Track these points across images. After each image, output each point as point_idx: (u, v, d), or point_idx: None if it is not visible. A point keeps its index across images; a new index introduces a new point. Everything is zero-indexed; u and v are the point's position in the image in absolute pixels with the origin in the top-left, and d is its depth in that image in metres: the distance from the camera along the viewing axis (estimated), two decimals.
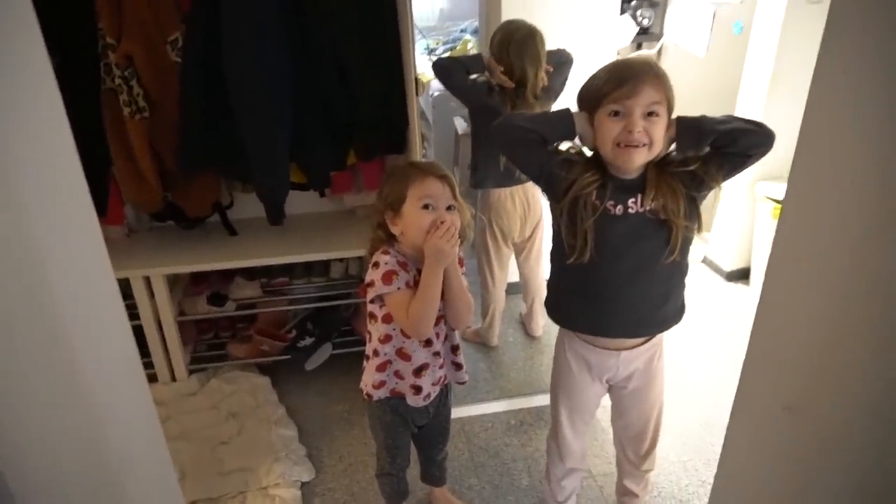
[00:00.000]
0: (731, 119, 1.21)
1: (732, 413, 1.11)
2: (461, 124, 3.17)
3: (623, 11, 3.86)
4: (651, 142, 1.18)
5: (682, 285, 1.36)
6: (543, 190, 1.34)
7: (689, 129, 1.21)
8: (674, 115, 1.23)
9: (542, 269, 2.38)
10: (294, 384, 2.25)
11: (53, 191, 0.78)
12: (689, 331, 2.45)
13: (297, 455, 1.89)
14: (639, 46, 3.97)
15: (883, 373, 0.77)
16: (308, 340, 2.20)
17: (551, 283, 1.43)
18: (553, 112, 1.30)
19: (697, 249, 2.98)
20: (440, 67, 2.01)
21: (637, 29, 3.73)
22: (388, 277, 1.27)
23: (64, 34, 1.74)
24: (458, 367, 1.49)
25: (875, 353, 0.79)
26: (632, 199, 1.23)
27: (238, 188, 2.18)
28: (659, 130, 1.18)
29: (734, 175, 1.25)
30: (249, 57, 1.72)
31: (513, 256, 2.34)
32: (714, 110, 1.29)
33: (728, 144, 1.20)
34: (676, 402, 2.04)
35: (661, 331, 1.39)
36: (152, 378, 2.15)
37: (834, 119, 0.84)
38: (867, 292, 0.79)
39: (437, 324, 1.35)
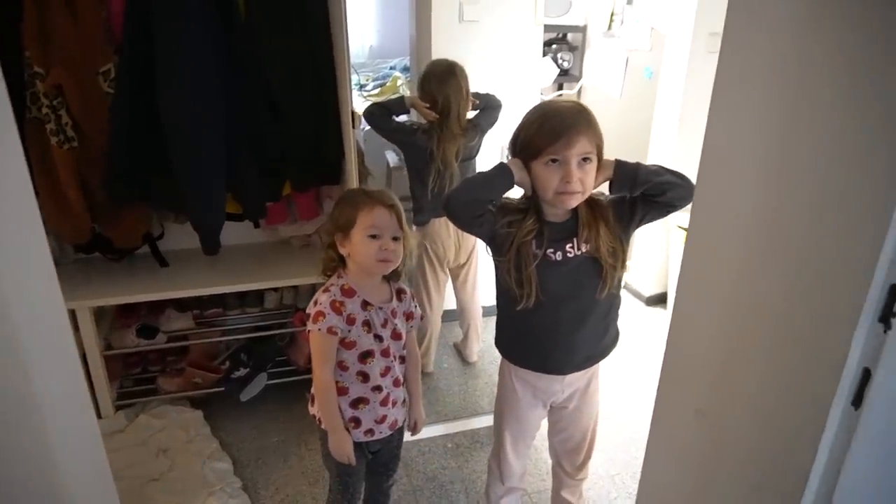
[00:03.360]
0: (663, 171, 1.30)
1: (653, 418, 1.22)
2: (392, 157, 3.26)
3: (544, 54, 4.10)
4: (584, 189, 1.27)
5: (617, 316, 1.47)
6: (490, 247, 1.39)
7: (626, 175, 1.29)
8: (613, 158, 1.31)
9: (478, 296, 2.47)
10: (228, 417, 2.21)
11: (11, 225, 0.79)
12: (613, 354, 2.59)
13: (233, 488, 1.86)
14: (560, 87, 4.22)
15: (773, 379, 0.89)
16: (242, 371, 2.18)
17: (500, 326, 1.49)
18: (490, 171, 1.35)
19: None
20: (367, 115, 2.15)
21: (558, 71, 3.97)
22: (316, 316, 1.32)
23: None
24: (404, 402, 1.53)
25: (766, 362, 0.90)
26: (569, 245, 1.32)
27: (170, 219, 2.16)
28: (591, 177, 1.27)
29: (658, 219, 1.37)
30: (182, 90, 1.74)
31: (450, 283, 2.42)
32: (630, 147, 1.42)
33: (657, 195, 1.30)
34: (603, 420, 2.13)
35: (603, 358, 1.49)
36: None
37: (724, 158, 0.97)
38: (758, 310, 0.91)
39: (385, 358, 1.41)
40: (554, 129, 1.23)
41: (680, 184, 1.28)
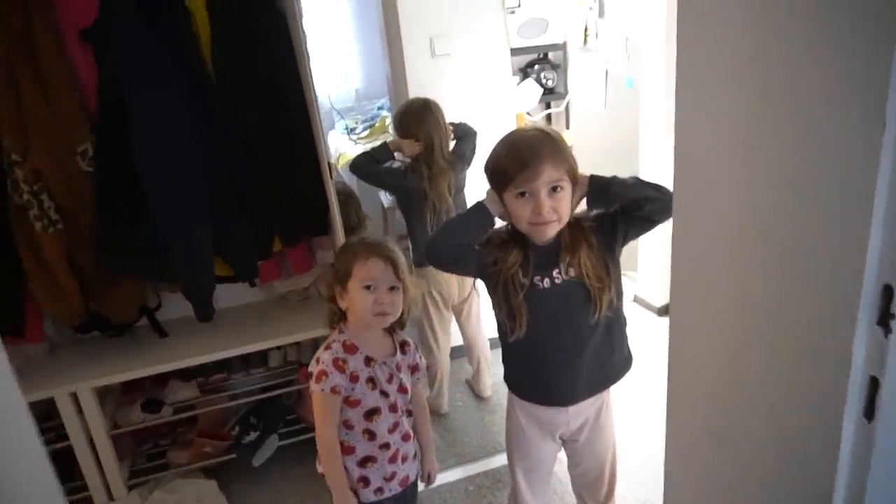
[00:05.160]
0: (640, 185, 1.27)
1: (666, 441, 1.15)
2: (387, 198, 3.25)
3: (527, 75, 4.12)
4: (560, 217, 1.24)
5: (623, 336, 1.42)
6: (483, 281, 1.38)
7: (599, 191, 1.27)
8: (588, 172, 1.29)
9: (483, 328, 2.42)
10: (244, 483, 2.16)
11: None
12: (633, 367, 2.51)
13: None
14: (547, 105, 4.22)
15: (780, 392, 0.83)
16: (253, 435, 2.13)
17: (505, 359, 1.46)
18: (468, 211, 1.34)
19: (627, 289, 3.09)
20: (354, 167, 2.18)
21: (542, 91, 3.97)
22: (319, 376, 1.30)
23: None
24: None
25: (771, 374, 0.85)
26: (556, 270, 1.29)
27: (165, 288, 2.14)
28: (565, 205, 1.24)
29: (641, 235, 1.33)
30: (162, 161, 1.74)
31: (453, 320, 2.38)
32: (620, 159, 1.39)
33: (634, 209, 1.27)
34: (626, 441, 2.06)
35: (613, 383, 1.44)
36: (88, 501, 2.01)
37: (697, 161, 0.93)
38: (754, 317, 0.86)
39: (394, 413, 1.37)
40: (518, 160, 1.22)
41: (657, 197, 1.24)
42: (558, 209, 1.23)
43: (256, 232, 1.97)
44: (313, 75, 1.79)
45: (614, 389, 1.51)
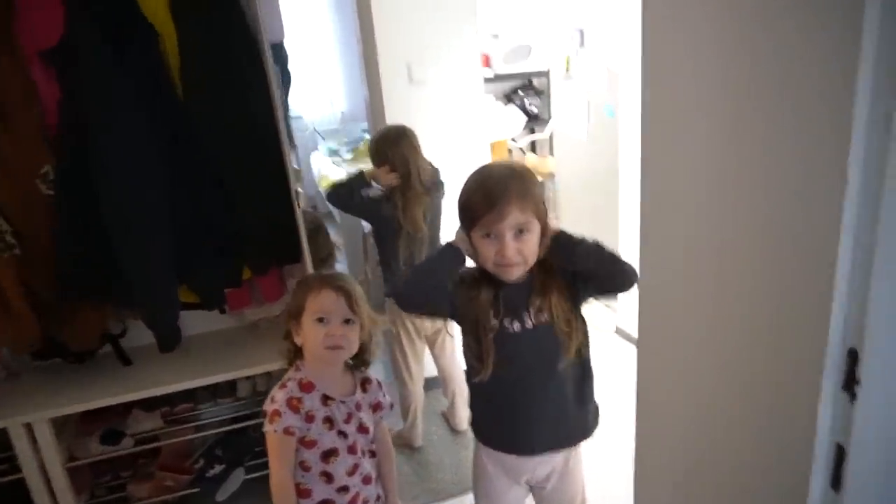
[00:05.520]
0: (609, 259, 1.22)
1: (635, 493, 1.11)
2: (367, 224, 3.21)
3: (510, 101, 4.12)
4: (525, 259, 1.20)
5: (592, 388, 1.37)
6: (456, 321, 1.34)
7: (562, 249, 1.22)
8: (559, 224, 1.25)
9: (458, 360, 2.36)
10: None
11: None
12: (608, 402, 2.45)
13: None
14: (532, 131, 4.22)
15: (749, 462, 0.79)
16: (217, 468, 2.06)
17: (472, 405, 1.42)
18: (438, 252, 1.31)
19: (608, 320, 3.06)
20: (330, 198, 2.17)
21: (525, 118, 3.97)
22: (272, 416, 1.26)
23: None
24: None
25: (741, 443, 0.81)
26: (525, 314, 1.25)
27: (129, 315, 2.07)
28: (530, 246, 1.20)
29: (598, 299, 1.31)
30: (123, 185, 1.68)
31: (427, 352, 2.33)
32: (601, 188, 1.35)
33: (590, 278, 1.25)
34: (602, 478, 2.01)
35: (585, 438, 1.38)
36: None
37: (666, 205, 0.90)
38: (724, 386, 0.82)
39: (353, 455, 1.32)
40: (484, 201, 1.17)
41: (615, 271, 1.21)
42: (523, 251, 1.19)
43: (224, 260, 1.92)
44: (284, 101, 1.76)
45: None
